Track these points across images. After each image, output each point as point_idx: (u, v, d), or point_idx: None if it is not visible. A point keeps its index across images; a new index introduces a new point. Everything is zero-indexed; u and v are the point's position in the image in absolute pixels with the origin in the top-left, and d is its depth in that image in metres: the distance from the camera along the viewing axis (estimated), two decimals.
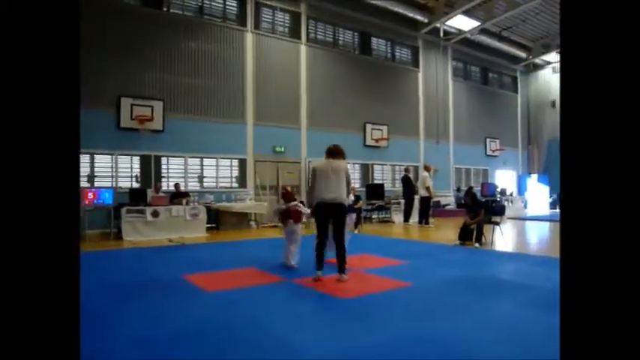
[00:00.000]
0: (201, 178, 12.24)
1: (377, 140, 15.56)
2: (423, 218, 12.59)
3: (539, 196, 19.71)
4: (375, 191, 14.50)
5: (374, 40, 16.11)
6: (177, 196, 10.75)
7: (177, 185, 11.24)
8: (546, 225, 13.04)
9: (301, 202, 6.48)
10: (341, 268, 5.13)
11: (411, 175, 14.30)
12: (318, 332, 3.29)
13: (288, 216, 6.13)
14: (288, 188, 7.20)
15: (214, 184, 12.41)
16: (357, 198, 11.54)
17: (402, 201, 13.74)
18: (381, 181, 15.74)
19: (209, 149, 12.11)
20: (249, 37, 12.84)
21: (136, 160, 11.25)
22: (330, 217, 5.21)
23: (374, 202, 14.29)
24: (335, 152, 5.36)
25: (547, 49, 20.28)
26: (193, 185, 12.06)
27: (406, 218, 13.33)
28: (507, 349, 2.91)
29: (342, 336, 3.19)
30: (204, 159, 12.23)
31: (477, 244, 7.94)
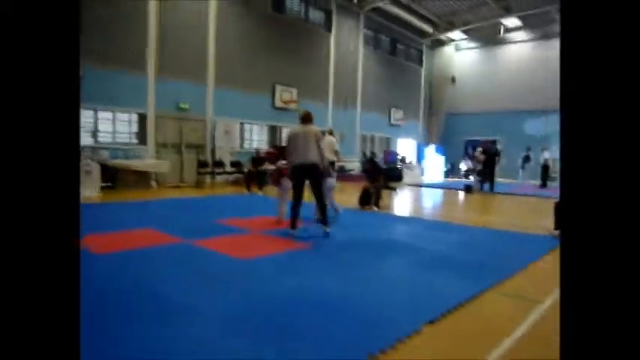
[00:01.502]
0: (94, 133, 11.31)
1: (286, 102, 15.47)
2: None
3: (435, 165, 21.12)
4: (282, 154, 14.50)
5: None
6: None
7: None
8: (440, 192, 14.07)
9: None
10: (322, 220, 5.70)
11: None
12: (211, 293, 3.27)
13: (281, 174, 6.58)
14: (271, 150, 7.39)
15: (110, 139, 11.55)
16: (263, 160, 11.51)
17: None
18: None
19: (104, 101, 11.13)
20: None
21: None
22: (304, 177, 5.64)
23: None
24: (304, 118, 5.82)
25: (451, 26, 21.34)
26: (86, 140, 11.10)
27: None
28: (388, 303, 3.13)
29: (232, 294, 3.22)
30: (99, 111, 11.26)
31: (375, 208, 8.35)
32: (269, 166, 6.64)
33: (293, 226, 5.62)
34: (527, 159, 17.38)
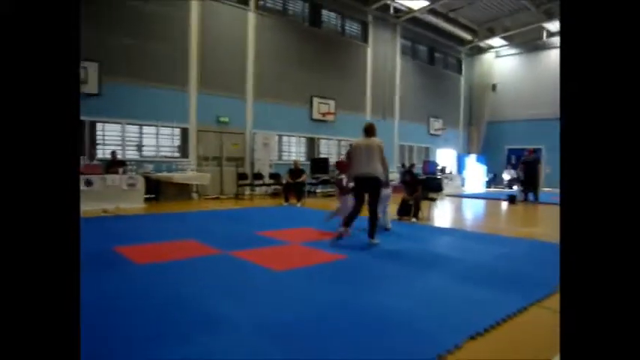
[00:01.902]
0: (139, 147, 11.75)
1: (324, 114, 15.55)
2: None
3: (476, 175, 20.59)
4: (319, 165, 14.58)
5: (324, 12, 15.90)
6: (114, 164, 10.28)
7: (113, 153, 10.73)
8: (481, 202, 13.69)
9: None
10: (370, 233, 5.70)
11: None
12: (249, 304, 3.29)
13: (340, 188, 6.86)
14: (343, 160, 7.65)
15: (154, 153, 11.96)
16: (301, 171, 11.58)
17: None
18: (326, 156, 15.82)
19: (149, 116, 11.59)
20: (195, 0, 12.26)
21: None
22: (365, 189, 5.73)
23: (318, 175, 14.38)
24: (367, 130, 5.89)
25: (491, 33, 20.90)
26: (132, 154, 11.57)
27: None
28: (427, 317, 3.04)
29: (271, 307, 3.22)
30: (144, 126, 11.71)
31: (414, 219, 8.21)
32: (341, 176, 6.82)
33: (346, 224, 5.80)
34: None
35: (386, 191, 6.59)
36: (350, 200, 6.24)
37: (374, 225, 5.74)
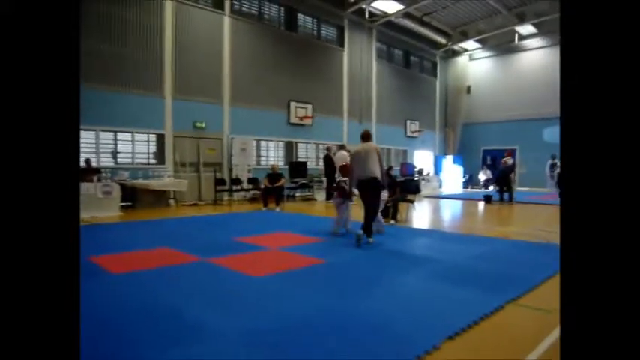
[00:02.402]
0: (114, 154, 11.53)
1: (301, 118, 15.55)
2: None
3: (453, 176, 20.88)
4: (298, 169, 14.57)
5: (300, 16, 15.92)
6: (88, 172, 10.06)
7: (87, 161, 10.50)
8: (458, 203, 13.88)
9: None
10: (366, 230, 6.02)
11: (334, 155, 14.47)
12: (227, 312, 3.25)
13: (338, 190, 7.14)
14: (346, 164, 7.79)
15: (130, 160, 11.76)
16: (280, 176, 11.55)
17: (325, 179, 13.95)
18: (304, 160, 15.82)
19: (124, 123, 11.39)
20: (169, 5, 12.11)
21: None
22: (367, 190, 6.12)
23: (297, 180, 14.36)
24: (365, 137, 6.38)
25: (465, 36, 21.27)
26: (107, 161, 11.34)
27: (328, 196, 13.55)
28: (406, 319, 3.06)
29: (249, 313, 3.19)
30: (119, 133, 11.50)
31: (392, 221, 8.27)
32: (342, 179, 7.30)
33: (368, 232, 6.08)
34: (553, 167, 17.05)
35: (382, 194, 6.86)
36: (346, 209, 6.84)
37: (369, 222, 6.05)
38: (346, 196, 6.86)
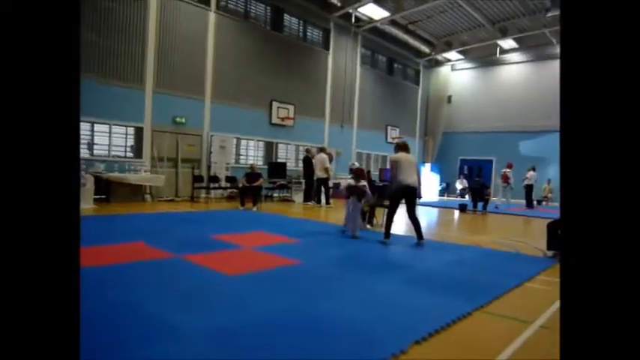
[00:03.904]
0: (90, 145, 11.32)
1: (283, 119, 15.55)
2: (316, 198, 13.02)
3: (430, 184, 21.14)
4: (277, 170, 14.56)
5: (286, 17, 15.94)
6: None
7: None
8: (434, 210, 14.07)
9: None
10: (418, 235, 6.64)
11: (313, 157, 14.51)
12: (198, 310, 3.25)
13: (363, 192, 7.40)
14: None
15: (106, 152, 11.56)
16: (258, 175, 11.52)
17: (303, 181, 13.98)
18: (284, 160, 15.81)
19: (102, 114, 11.18)
20: None
21: None
22: (408, 197, 6.66)
23: (276, 180, 14.34)
24: (406, 147, 6.94)
25: (448, 47, 21.61)
26: (82, 152, 11.12)
27: (306, 198, 13.60)
28: (375, 322, 3.11)
29: (220, 312, 3.19)
30: (96, 124, 11.29)
31: (368, 226, 8.34)
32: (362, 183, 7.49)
33: (387, 235, 6.66)
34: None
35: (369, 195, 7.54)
36: (350, 208, 7.18)
37: (418, 228, 6.67)
38: (362, 197, 7.28)
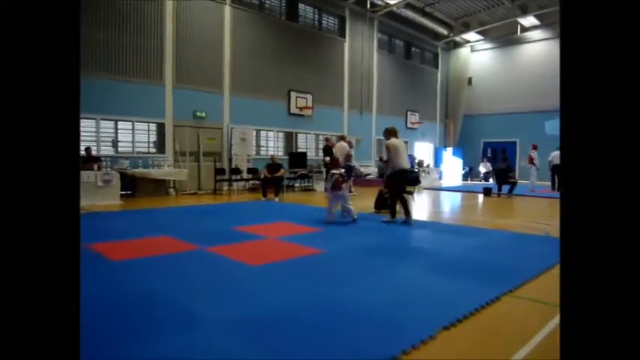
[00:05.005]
0: (115, 143, 11.53)
1: (301, 109, 15.51)
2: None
3: (453, 168, 20.88)
4: (297, 160, 14.57)
5: (301, 6, 15.82)
6: (88, 161, 10.07)
7: (88, 149, 10.49)
8: (458, 195, 13.90)
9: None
10: (407, 214, 7.18)
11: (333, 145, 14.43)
12: (223, 300, 3.28)
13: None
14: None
15: (130, 148, 11.76)
16: (279, 166, 11.55)
17: (324, 170, 13.94)
18: (304, 150, 15.81)
19: (124, 112, 11.36)
20: None
21: None
22: (408, 178, 7.42)
23: (296, 170, 14.36)
24: (397, 133, 7.55)
25: (466, 28, 21.14)
26: (107, 150, 11.34)
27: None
28: (402, 309, 3.09)
29: (244, 302, 3.22)
30: (119, 122, 11.49)
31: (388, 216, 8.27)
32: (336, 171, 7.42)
33: (393, 215, 7.24)
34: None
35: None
36: (333, 195, 7.26)
37: (406, 206, 7.21)
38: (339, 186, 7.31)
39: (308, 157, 15.08)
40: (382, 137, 20.15)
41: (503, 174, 13.43)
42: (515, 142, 21.19)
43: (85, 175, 9.41)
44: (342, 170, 7.50)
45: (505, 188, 13.30)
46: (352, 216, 7.22)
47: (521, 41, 21.26)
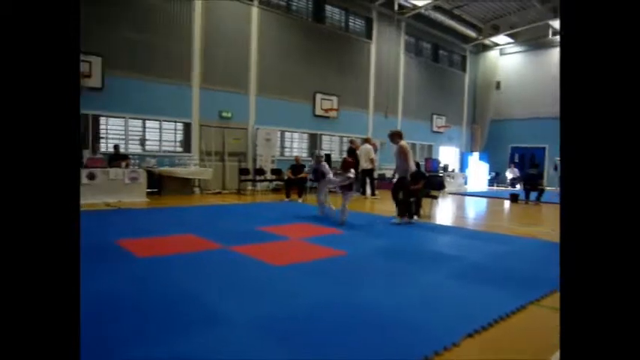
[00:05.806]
0: (143, 141, 11.77)
1: (326, 110, 15.52)
2: (361, 189, 12.93)
3: (479, 173, 20.56)
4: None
5: (328, 8, 15.84)
6: (117, 158, 10.31)
7: (116, 147, 10.76)
8: (483, 200, 13.67)
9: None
10: (402, 213, 7.62)
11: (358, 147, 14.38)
12: (246, 299, 3.30)
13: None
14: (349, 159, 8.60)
15: (157, 147, 11.99)
16: (303, 167, 11.55)
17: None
18: (328, 152, 15.81)
19: (152, 111, 11.61)
20: None
21: None
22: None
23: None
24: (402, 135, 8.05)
25: (496, 30, 20.79)
26: (134, 148, 11.59)
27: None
28: (426, 314, 3.05)
29: (267, 301, 3.23)
30: (147, 121, 11.73)
31: (415, 217, 8.19)
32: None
33: (411, 216, 7.78)
34: None
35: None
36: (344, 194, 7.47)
37: (403, 206, 7.60)
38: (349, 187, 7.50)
39: (332, 159, 15.07)
40: (407, 141, 19.99)
41: (534, 180, 13.14)
42: (544, 149, 20.72)
43: (113, 172, 9.63)
44: (353, 173, 7.54)
45: (533, 195, 13.01)
46: (345, 216, 7.17)
47: (552, 45, 20.78)
